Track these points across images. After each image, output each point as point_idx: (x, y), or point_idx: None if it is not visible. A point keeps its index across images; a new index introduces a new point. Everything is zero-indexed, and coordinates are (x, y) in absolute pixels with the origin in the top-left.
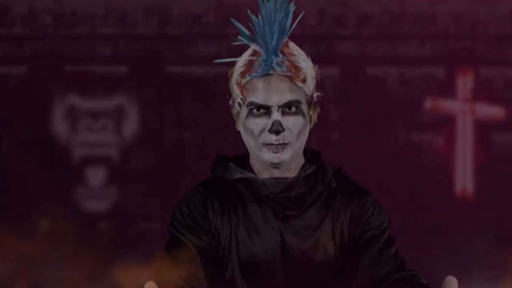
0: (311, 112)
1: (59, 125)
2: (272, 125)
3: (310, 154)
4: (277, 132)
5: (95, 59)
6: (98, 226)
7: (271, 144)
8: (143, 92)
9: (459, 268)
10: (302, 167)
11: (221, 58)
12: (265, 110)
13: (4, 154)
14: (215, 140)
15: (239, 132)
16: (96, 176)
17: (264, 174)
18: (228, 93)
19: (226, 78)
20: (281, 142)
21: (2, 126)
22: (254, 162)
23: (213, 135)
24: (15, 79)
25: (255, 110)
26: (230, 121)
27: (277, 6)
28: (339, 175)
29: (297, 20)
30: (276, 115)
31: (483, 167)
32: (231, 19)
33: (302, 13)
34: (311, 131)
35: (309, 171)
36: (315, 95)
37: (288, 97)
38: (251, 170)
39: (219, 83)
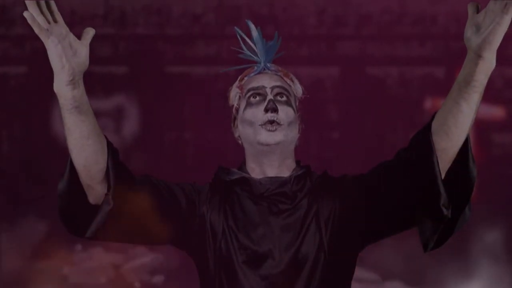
0: (298, 114)
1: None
2: (268, 103)
3: (300, 163)
4: (272, 110)
5: (95, 59)
6: None
7: (267, 122)
8: (143, 92)
9: (459, 268)
10: (294, 169)
11: (221, 58)
12: (261, 97)
13: (4, 154)
14: (215, 140)
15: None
16: None
17: (259, 175)
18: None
19: (226, 78)
20: (275, 119)
21: (2, 126)
22: (250, 164)
23: (213, 135)
24: (15, 79)
25: (252, 98)
26: (230, 121)
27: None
28: (325, 176)
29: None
30: (270, 96)
31: (483, 167)
32: (235, 28)
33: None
34: (311, 131)
35: (300, 172)
36: (302, 96)
37: (279, 82)
38: (248, 174)
39: (219, 83)
